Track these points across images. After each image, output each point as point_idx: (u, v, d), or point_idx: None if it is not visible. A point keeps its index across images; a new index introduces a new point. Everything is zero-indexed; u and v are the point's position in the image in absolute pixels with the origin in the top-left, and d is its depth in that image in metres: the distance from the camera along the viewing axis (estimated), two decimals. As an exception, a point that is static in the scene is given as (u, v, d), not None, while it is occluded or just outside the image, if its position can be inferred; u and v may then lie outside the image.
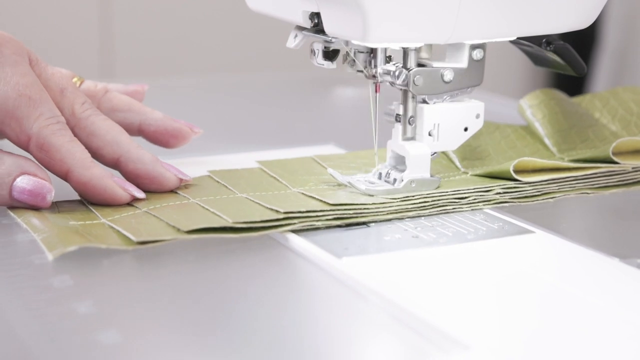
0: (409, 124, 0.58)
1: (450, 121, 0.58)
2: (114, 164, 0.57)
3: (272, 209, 0.53)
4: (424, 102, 0.58)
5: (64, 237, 0.49)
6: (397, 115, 0.58)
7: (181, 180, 0.57)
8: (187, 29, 1.78)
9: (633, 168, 0.61)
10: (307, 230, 0.52)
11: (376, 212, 0.54)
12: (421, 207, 0.56)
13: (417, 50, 0.57)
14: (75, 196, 0.56)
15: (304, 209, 0.53)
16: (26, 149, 0.55)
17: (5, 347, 0.40)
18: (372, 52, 0.57)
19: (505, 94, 1.10)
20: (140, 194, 0.55)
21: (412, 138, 0.58)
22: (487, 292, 0.46)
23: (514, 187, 0.58)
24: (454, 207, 0.56)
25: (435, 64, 0.58)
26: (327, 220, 0.53)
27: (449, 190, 0.57)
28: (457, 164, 0.63)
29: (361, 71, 0.58)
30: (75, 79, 0.62)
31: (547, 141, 0.67)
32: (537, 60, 0.66)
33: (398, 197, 0.56)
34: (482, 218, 0.55)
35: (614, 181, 0.61)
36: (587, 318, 0.42)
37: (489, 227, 0.54)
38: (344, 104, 0.97)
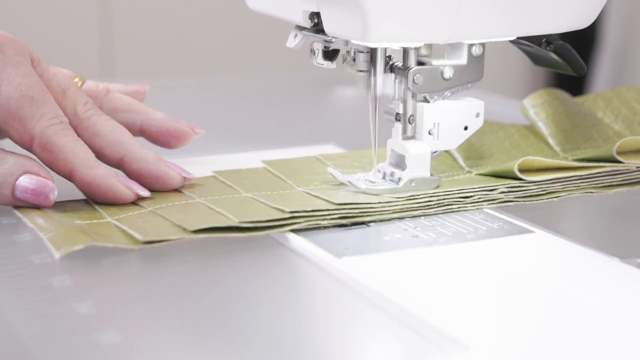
0: (409, 123, 0.58)
1: (450, 120, 0.58)
2: (117, 164, 0.57)
3: (277, 209, 0.53)
4: (425, 99, 0.58)
5: (70, 236, 0.49)
6: (397, 114, 0.58)
7: (185, 178, 0.57)
8: (187, 29, 1.78)
9: (637, 167, 0.61)
10: (308, 230, 0.52)
11: (381, 211, 0.54)
12: (426, 206, 0.56)
13: (417, 49, 0.57)
14: (80, 195, 0.56)
15: (310, 208, 0.53)
16: (29, 149, 0.55)
17: (5, 347, 0.40)
18: (372, 52, 0.57)
19: (505, 94, 1.10)
20: (145, 193, 0.55)
21: (412, 137, 0.58)
22: (487, 292, 0.46)
23: (519, 187, 0.58)
24: (458, 206, 0.56)
25: (435, 62, 0.58)
26: (333, 219, 0.53)
27: (454, 190, 0.57)
28: (461, 163, 0.63)
29: (361, 71, 0.58)
30: (76, 79, 0.62)
31: (550, 141, 0.67)
32: (537, 60, 0.66)
33: (403, 196, 0.56)
34: (482, 218, 0.55)
35: (618, 180, 0.61)
36: (587, 318, 0.42)
37: (489, 226, 0.54)
38: (344, 103, 0.97)
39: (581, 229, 0.58)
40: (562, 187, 0.59)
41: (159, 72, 1.72)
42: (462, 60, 0.58)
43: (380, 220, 0.54)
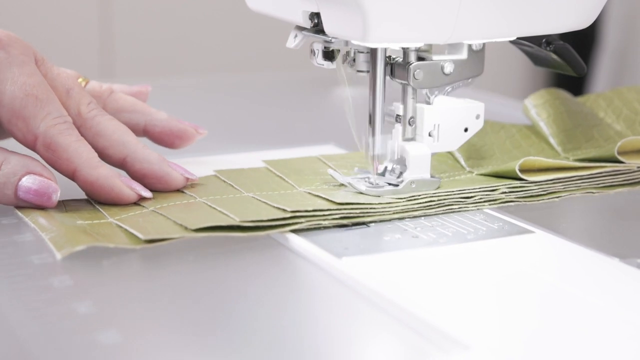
0: (409, 124, 0.58)
1: (451, 122, 0.58)
2: (120, 164, 0.57)
3: (279, 208, 0.53)
4: (426, 95, 0.58)
5: (72, 236, 0.49)
6: (397, 116, 0.58)
7: (187, 179, 0.57)
8: (187, 29, 1.78)
9: (638, 167, 0.61)
10: (308, 230, 0.52)
11: (382, 211, 0.54)
12: (427, 206, 0.56)
13: (417, 49, 0.57)
14: (81, 195, 0.56)
15: (311, 208, 0.53)
16: (33, 148, 0.55)
17: (5, 347, 0.40)
18: (372, 52, 0.57)
19: (505, 94, 1.10)
20: (147, 193, 0.55)
21: (412, 139, 0.58)
22: (487, 292, 0.46)
23: (520, 187, 0.58)
24: (459, 206, 0.56)
25: (435, 57, 0.57)
26: (334, 219, 0.53)
27: (454, 190, 0.57)
28: (462, 163, 0.63)
29: (361, 71, 0.58)
30: (80, 79, 0.62)
31: (552, 140, 0.67)
32: (537, 60, 0.66)
33: (404, 196, 0.56)
34: (482, 218, 0.55)
35: (619, 180, 0.61)
36: (587, 318, 0.42)
37: (489, 227, 0.54)
38: (344, 103, 0.96)
39: (581, 229, 0.58)
40: (563, 187, 0.60)
41: (159, 72, 1.72)
42: (463, 55, 0.58)
43: (382, 221, 0.54)
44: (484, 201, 0.57)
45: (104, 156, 0.57)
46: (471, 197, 0.57)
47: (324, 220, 0.53)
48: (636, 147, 0.63)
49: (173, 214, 0.52)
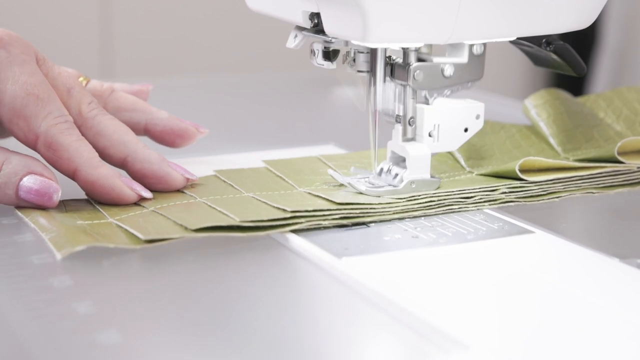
0: (409, 124, 0.58)
1: (450, 122, 0.58)
2: (120, 163, 0.57)
3: (279, 208, 0.53)
4: (425, 97, 0.58)
5: (72, 236, 0.49)
6: (397, 116, 0.58)
7: (188, 179, 0.57)
8: (187, 29, 1.78)
9: (638, 168, 0.61)
10: (308, 230, 0.52)
11: (382, 211, 0.54)
12: (427, 206, 0.56)
13: (417, 48, 0.57)
14: (82, 195, 0.56)
15: (311, 208, 0.53)
16: (34, 147, 0.55)
17: (5, 347, 0.40)
18: (372, 52, 0.57)
19: (505, 94, 1.10)
20: (147, 194, 0.55)
21: (412, 139, 0.58)
22: (487, 292, 0.46)
23: (520, 187, 0.58)
24: (459, 206, 0.56)
25: (435, 59, 0.57)
26: (334, 219, 0.53)
27: (454, 190, 0.57)
28: (463, 163, 0.63)
29: (361, 71, 0.58)
30: (81, 79, 0.62)
31: (552, 141, 0.67)
32: (537, 60, 0.66)
33: (404, 196, 0.56)
34: (482, 218, 0.55)
35: (619, 181, 0.61)
36: (587, 318, 0.42)
37: (489, 227, 0.54)
38: (344, 104, 0.97)
39: (581, 229, 0.58)
40: (563, 187, 0.60)
41: (159, 72, 1.72)
42: (463, 58, 0.58)
43: (382, 221, 0.54)
44: (484, 201, 0.57)
45: (104, 156, 0.57)
46: (471, 197, 0.57)
47: (324, 220, 0.53)
48: (636, 148, 0.63)
49: (173, 214, 0.52)
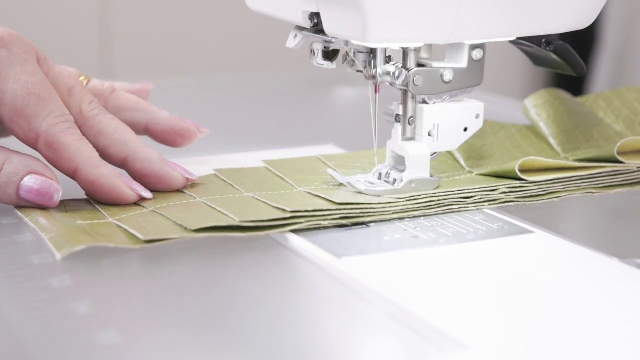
0: (409, 124, 0.58)
1: (450, 121, 0.58)
2: (121, 163, 0.57)
3: (278, 208, 0.53)
4: (424, 102, 0.58)
5: (72, 236, 0.49)
6: (397, 115, 0.58)
7: (188, 179, 0.58)
8: (187, 29, 1.78)
9: (638, 167, 0.61)
10: (307, 230, 0.52)
11: (382, 211, 0.54)
12: (427, 206, 0.56)
13: (417, 50, 0.57)
14: (82, 195, 0.56)
15: (311, 208, 0.53)
16: (34, 147, 0.55)
17: (5, 347, 0.40)
18: (372, 52, 0.57)
19: (505, 94, 1.10)
20: (147, 194, 0.55)
21: (412, 138, 0.58)
22: (486, 292, 0.46)
23: (520, 187, 0.58)
24: (459, 206, 0.56)
25: (435, 64, 0.58)
26: (334, 219, 0.53)
27: (454, 190, 0.57)
28: (462, 163, 0.63)
29: (361, 71, 0.58)
30: (82, 78, 0.62)
31: (551, 141, 0.67)
32: (536, 60, 0.66)
33: (404, 196, 0.56)
34: (482, 218, 0.55)
35: (619, 181, 0.61)
36: (586, 318, 0.42)
37: (489, 227, 0.54)
38: (344, 104, 0.97)
39: (581, 230, 0.58)
40: (563, 187, 0.60)
41: (159, 72, 1.72)
42: (462, 63, 0.58)
43: (382, 221, 0.54)
44: (484, 201, 0.57)
45: (105, 155, 0.57)
46: (471, 197, 0.57)
47: (324, 220, 0.53)
48: (636, 148, 0.63)
49: (173, 214, 0.52)
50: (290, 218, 0.52)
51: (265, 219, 0.51)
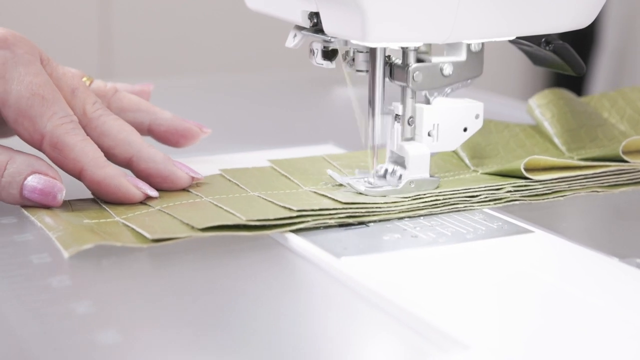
0: (409, 124, 0.58)
1: (450, 121, 0.58)
2: (126, 163, 0.57)
3: (285, 207, 0.53)
4: (425, 97, 0.58)
5: (79, 235, 0.49)
6: (397, 115, 0.58)
7: (193, 178, 0.58)
8: (187, 29, 1.78)
9: None
10: (307, 229, 0.52)
11: (388, 210, 0.54)
12: (433, 205, 0.56)
13: (416, 48, 0.57)
14: (87, 194, 0.56)
15: (317, 207, 0.53)
16: (39, 148, 0.55)
17: (5, 347, 0.40)
18: (371, 52, 0.57)
19: (505, 94, 1.10)
20: (153, 192, 0.55)
21: (412, 138, 0.58)
22: (486, 291, 0.46)
23: (525, 186, 0.58)
24: (465, 205, 0.56)
25: (434, 59, 0.57)
26: (340, 218, 0.53)
27: (460, 189, 0.57)
28: (467, 162, 0.63)
29: (361, 71, 0.58)
30: (84, 79, 0.62)
31: (556, 140, 0.67)
32: (536, 60, 0.66)
33: (409, 196, 0.56)
34: (482, 218, 0.55)
35: (624, 180, 0.61)
36: (586, 318, 0.42)
37: (489, 226, 0.54)
38: (343, 103, 0.97)
39: (581, 229, 0.58)
40: (567, 186, 0.60)
41: (159, 72, 1.72)
42: (462, 56, 0.58)
43: (388, 220, 0.54)
44: (489, 200, 0.57)
45: (109, 156, 0.57)
46: (476, 196, 0.57)
47: (330, 219, 0.53)
48: None
49: (179, 213, 0.53)
50: (296, 217, 0.52)
51: (272, 217, 0.51)
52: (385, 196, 0.56)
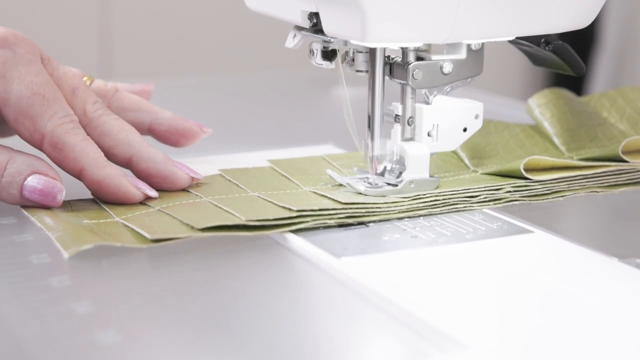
0: (408, 124, 0.58)
1: (449, 122, 0.58)
2: (125, 163, 0.57)
3: (285, 207, 0.53)
4: (425, 95, 0.58)
5: (79, 235, 0.49)
6: (397, 115, 0.58)
7: (193, 178, 0.58)
8: (187, 29, 1.78)
9: None
10: (307, 230, 0.52)
11: (388, 211, 0.54)
12: (432, 205, 0.56)
13: (416, 47, 0.57)
14: (87, 195, 0.56)
15: (317, 207, 0.53)
16: (40, 147, 0.55)
17: (5, 347, 0.40)
18: (371, 52, 0.57)
19: (505, 94, 1.10)
20: (153, 193, 0.55)
21: (411, 139, 0.58)
22: (486, 292, 0.46)
23: (525, 186, 0.58)
24: (464, 205, 0.56)
25: (434, 57, 0.57)
26: (340, 218, 0.53)
27: (460, 189, 0.57)
28: (467, 162, 0.63)
29: (360, 71, 0.58)
30: (85, 78, 0.62)
31: (555, 140, 0.68)
32: (536, 60, 0.66)
33: (409, 196, 0.56)
34: (481, 218, 0.55)
35: (623, 180, 0.61)
36: (586, 318, 0.42)
37: (488, 226, 0.54)
38: (343, 103, 0.96)
39: (580, 229, 0.58)
40: (567, 186, 0.60)
41: (159, 72, 1.72)
42: (462, 54, 0.58)
43: (388, 220, 0.54)
44: (489, 200, 0.57)
45: (109, 155, 0.57)
46: (476, 196, 0.57)
47: (330, 219, 0.53)
48: None
49: (179, 214, 0.53)
50: (296, 217, 0.52)
51: (272, 218, 0.52)
52: (385, 196, 0.56)
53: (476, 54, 0.58)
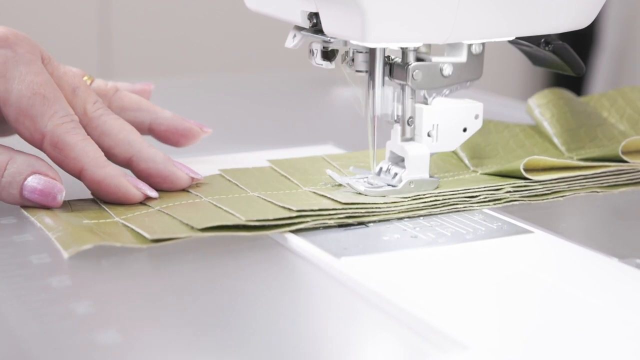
0: (408, 124, 0.58)
1: (449, 122, 0.58)
2: (126, 163, 0.57)
3: (285, 207, 0.53)
4: (424, 97, 0.58)
5: (79, 235, 0.49)
6: (397, 116, 0.58)
7: (193, 179, 0.58)
8: (187, 29, 1.78)
9: None
10: (307, 230, 0.52)
11: (388, 211, 0.54)
12: (432, 206, 0.56)
13: (416, 48, 0.57)
14: (87, 195, 0.56)
15: (316, 208, 0.53)
16: (40, 147, 0.55)
17: (5, 347, 0.40)
18: (371, 52, 0.57)
19: (504, 94, 1.10)
20: (153, 193, 0.55)
21: (411, 139, 0.58)
22: (486, 292, 0.46)
23: (524, 186, 0.58)
24: (464, 205, 0.56)
25: (434, 59, 0.58)
26: (339, 218, 0.53)
27: (459, 189, 0.57)
28: (467, 162, 0.63)
29: (360, 71, 0.58)
30: (85, 78, 0.63)
31: (555, 140, 0.68)
32: (536, 60, 0.66)
33: (409, 196, 0.56)
34: (481, 218, 0.55)
35: (623, 180, 0.61)
36: (586, 318, 0.42)
37: (488, 227, 0.54)
38: (343, 103, 0.97)
39: (580, 229, 0.58)
40: (567, 186, 0.60)
41: (159, 72, 1.72)
42: (462, 58, 0.58)
43: (387, 220, 0.54)
44: (489, 200, 0.57)
45: (109, 155, 0.57)
46: (476, 196, 0.57)
47: (329, 219, 0.53)
48: None
49: (179, 214, 0.53)
50: (296, 217, 0.52)
51: (272, 218, 0.52)
52: (384, 196, 0.56)
53: (476, 58, 0.58)
